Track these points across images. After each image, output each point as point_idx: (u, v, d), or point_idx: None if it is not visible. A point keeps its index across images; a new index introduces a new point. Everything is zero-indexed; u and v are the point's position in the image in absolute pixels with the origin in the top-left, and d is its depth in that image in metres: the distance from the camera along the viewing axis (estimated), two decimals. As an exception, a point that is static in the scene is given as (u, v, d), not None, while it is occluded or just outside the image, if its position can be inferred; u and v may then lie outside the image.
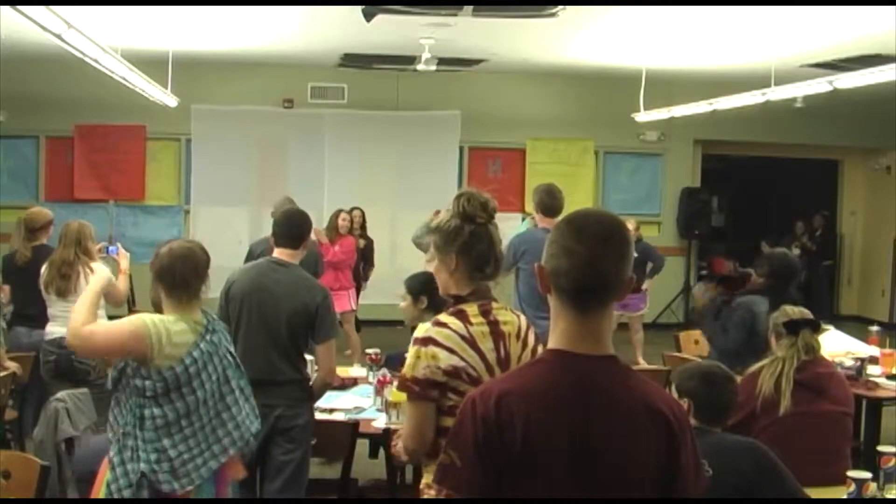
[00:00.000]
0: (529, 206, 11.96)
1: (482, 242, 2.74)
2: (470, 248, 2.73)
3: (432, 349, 2.61)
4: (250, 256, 6.60)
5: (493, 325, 2.69)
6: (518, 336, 2.74)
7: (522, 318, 2.82)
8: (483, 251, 2.73)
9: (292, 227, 4.35)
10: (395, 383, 2.79)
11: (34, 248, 6.02)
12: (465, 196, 2.77)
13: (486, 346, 2.65)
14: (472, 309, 2.69)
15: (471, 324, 2.66)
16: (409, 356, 2.65)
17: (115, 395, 3.27)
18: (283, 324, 4.10)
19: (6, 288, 6.06)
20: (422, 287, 4.57)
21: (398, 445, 2.76)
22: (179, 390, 3.16)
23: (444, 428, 2.61)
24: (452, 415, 2.54)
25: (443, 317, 2.69)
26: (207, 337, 3.29)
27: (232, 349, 3.43)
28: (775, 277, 5.28)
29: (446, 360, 2.60)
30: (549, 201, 5.96)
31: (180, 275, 3.31)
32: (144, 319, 3.21)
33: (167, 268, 3.33)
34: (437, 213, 3.42)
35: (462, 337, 2.63)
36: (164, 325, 3.20)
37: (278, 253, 4.30)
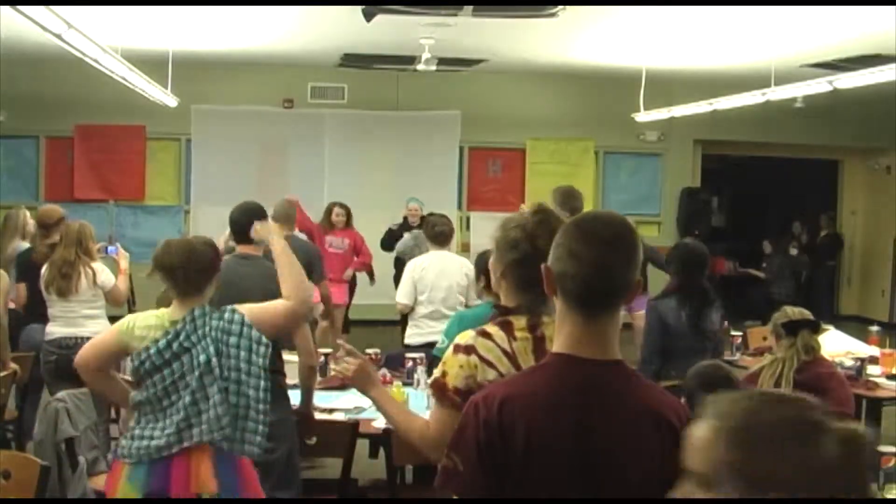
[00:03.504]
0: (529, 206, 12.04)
1: (533, 266, 2.42)
2: (519, 266, 2.51)
3: (474, 359, 2.43)
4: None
5: (539, 341, 2.46)
6: None
7: None
8: (531, 274, 2.42)
9: (251, 222, 4.37)
10: (427, 389, 2.57)
11: (51, 245, 5.99)
12: (540, 215, 2.54)
13: (528, 363, 2.43)
14: (519, 322, 2.48)
15: (515, 338, 2.45)
16: (451, 363, 2.46)
17: None
18: None
19: (21, 287, 6.05)
20: (482, 267, 4.51)
21: (422, 447, 2.54)
22: (143, 380, 3.31)
23: None
24: None
25: (488, 326, 2.50)
26: (173, 337, 3.30)
27: (215, 352, 3.33)
28: (681, 269, 5.27)
29: (484, 373, 2.41)
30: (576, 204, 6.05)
31: (170, 271, 3.38)
32: (120, 323, 3.40)
33: (157, 262, 3.43)
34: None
35: (504, 351, 2.44)
36: (134, 317, 3.40)
37: (242, 248, 4.36)
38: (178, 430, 3.25)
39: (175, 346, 3.30)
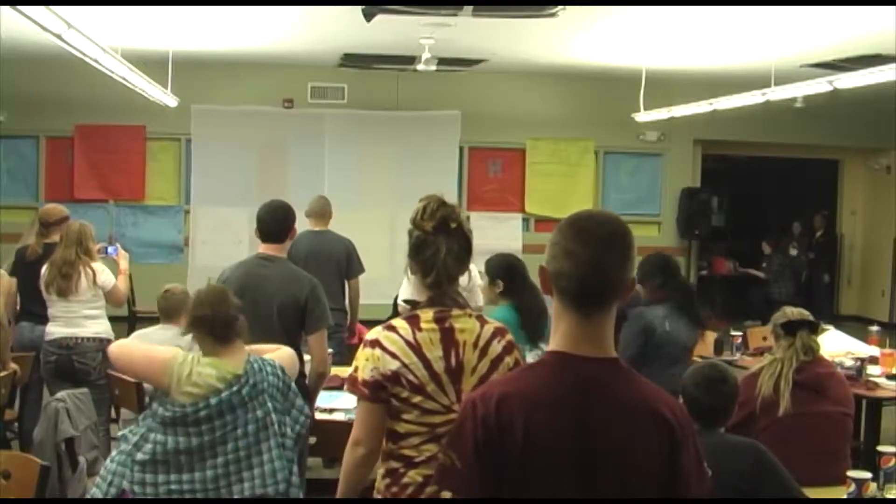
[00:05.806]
0: (529, 205, 12.11)
1: (427, 251, 2.65)
2: (415, 254, 2.67)
3: (378, 352, 2.58)
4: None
5: (447, 332, 2.61)
6: (476, 345, 2.61)
7: (489, 326, 2.66)
8: (426, 260, 2.65)
9: (277, 222, 4.34)
10: (345, 385, 2.75)
11: (46, 244, 5.98)
12: (422, 203, 2.70)
13: (434, 353, 2.58)
14: (426, 315, 2.63)
15: (420, 329, 2.60)
16: (360, 357, 2.62)
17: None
18: (274, 319, 4.10)
19: (13, 282, 6.03)
20: (497, 270, 4.62)
21: (349, 451, 2.70)
22: (186, 427, 3.25)
23: (392, 431, 2.60)
24: (398, 419, 2.58)
25: (395, 321, 2.66)
26: (236, 389, 3.30)
27: (273, 406, 3.36)
28: (661, 277, 5.28)
29: (388, 364, 2.56)
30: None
31: (211, 321, 3.38)
32: (177, 354, 3.37)
33: (197, 313, 3.43)
34: None
35: (407, 342, 2.58)
36: (192, 363, 3.33)
37: (264, 248, 4.31)
38: (229, 483, 3.26)
39: (235, 399, 3.30)
